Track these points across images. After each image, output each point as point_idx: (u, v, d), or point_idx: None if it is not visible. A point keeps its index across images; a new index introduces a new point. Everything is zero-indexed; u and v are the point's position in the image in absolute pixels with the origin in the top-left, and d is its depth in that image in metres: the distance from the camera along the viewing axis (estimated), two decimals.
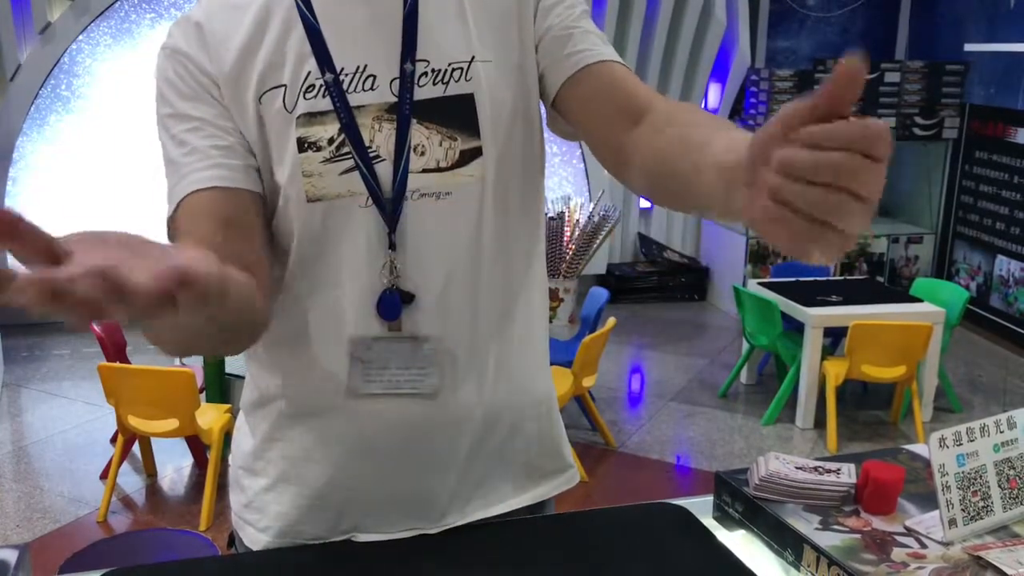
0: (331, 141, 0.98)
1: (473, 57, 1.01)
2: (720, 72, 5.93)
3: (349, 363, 1.02)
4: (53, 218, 5.22)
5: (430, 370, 1.03)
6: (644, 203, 6.10)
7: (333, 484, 1.08)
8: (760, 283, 4.40)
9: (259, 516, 1.11)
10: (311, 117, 0.98)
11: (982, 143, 5.56)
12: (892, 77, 5.63)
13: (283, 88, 0.98)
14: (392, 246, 1.00)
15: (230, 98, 0.99)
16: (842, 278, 5.22)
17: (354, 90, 0.99)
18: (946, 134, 5.75)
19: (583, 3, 1.07)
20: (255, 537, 1.12)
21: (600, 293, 4.08)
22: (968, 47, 5.45)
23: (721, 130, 0.79)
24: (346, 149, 0.98)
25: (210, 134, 0.97)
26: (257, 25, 0.99)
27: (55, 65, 5.01)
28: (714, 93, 6.01)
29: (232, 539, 1.18)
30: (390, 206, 0.99)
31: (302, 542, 1.09)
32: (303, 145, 0.98)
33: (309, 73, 0.98)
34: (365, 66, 0.99)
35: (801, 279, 4.52)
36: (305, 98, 0.98)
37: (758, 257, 5.70)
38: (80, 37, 5.02)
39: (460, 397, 1.05)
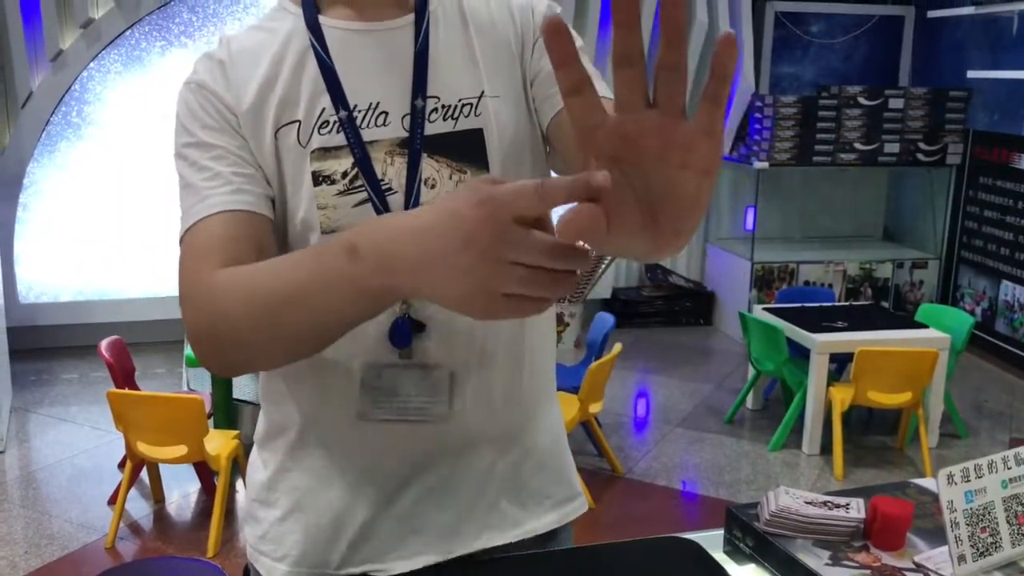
0: (344, 175, 1.01)
1: (482, 93, 1.05)
2: None
3: (360, 390, 1.04)
4: (64, 243, 5.26)
5: (439, 397, 1.05)
6: None
7: (346, 511, 1.09)
8: (766, 308, 4.41)
9: (275, 547, 1.13)
10: (325, 152, 1.02)
11: (986, 169, 5.58)
12: (896, 103, 5.66)
13: (297, 124, 1.02)
14: None
15: (250, 133, 1.02)
16: (847, 303, 5.23)
17: (367, 126, 1.02)
18: (950, 160, 5.77)
19: (579, 40, 1.10)
20: (272, 567, 1.13)
21: (606, 319, 4.10)
22: (971, 74, 5.49)
23: None
24: (359, 182, 1.01)
25: (232, 162, 1.00)
26: (273, 63, 1.03)
27: (66, 92, 5.06)
28: None
29: (247, 572, 1.19)
30: None
31: (319, 571, 1.10)
32: (318, 179, 1.01)
33: (324, 110, 1.02)
34: (377, 103, 1.02)
35: (806, 305, 4.54)
36: (320, 133, 1.02)
37: (763, 282, 5.71)
38: (91, 64, 5.08)
39: (469, 423, 1.08)
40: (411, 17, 1.05)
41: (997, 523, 1.04)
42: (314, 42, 1.03)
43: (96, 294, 5.35)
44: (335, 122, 1.01)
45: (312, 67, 1.03)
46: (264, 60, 1.04)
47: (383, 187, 1.02)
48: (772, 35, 6.08)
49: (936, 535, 1.09)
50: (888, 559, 1.05)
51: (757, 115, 5.69)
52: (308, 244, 1.02)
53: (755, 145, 5.70)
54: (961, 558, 1.01)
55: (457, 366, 1.06)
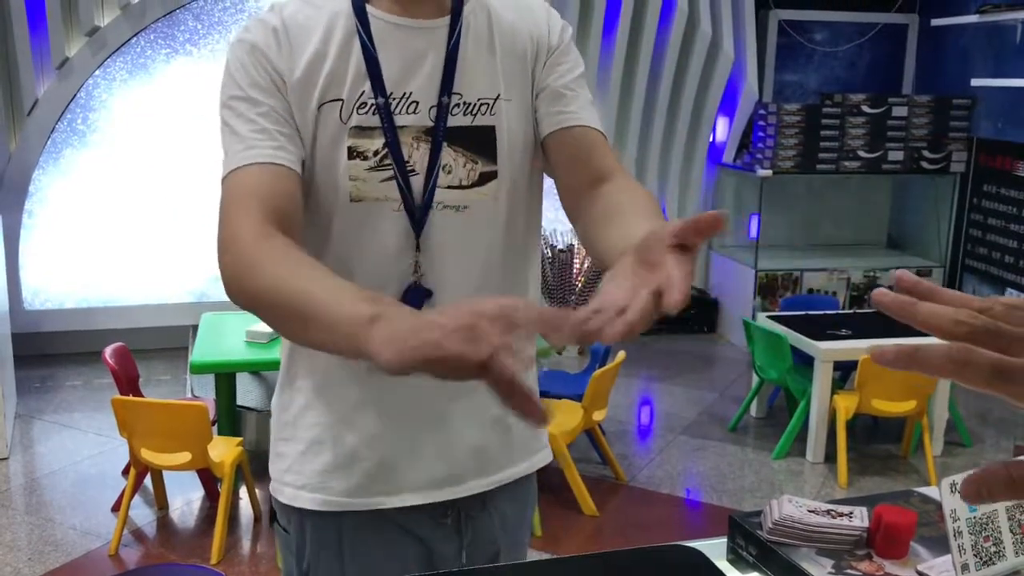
0: (376, 153, 1.15)
1: (498, 95, 1.19)
2: (728, 106, 5.98)
3: None
4: (68, 250, 5.28)
5: None
6: None
7: (361, 446, 1.23)
8: (770, 316, 4.41)
9: (297, 476, 1.25)
10: (361, 130, 1.15)
11: (990, 177, 5.58)
12: (899, 111, 5.67)
13: (340, 102, 1.14)
14: (417, 248, 1.17)
15: (295, 100, 1.14)
16: (852, 311, 5.23)
17: (399, 112, 1.16)
18: (954, 168, 5.77)
19: (582, 66, 1.27)
20: (294, 495, 1.25)
21: None
22: (975, 82, 5.49)
23: (641, 221, 1.00)
24: (388, 161, 1.16)
25: (277, 120, 1.12)
26: (323, 41, 1.15)
27: (72, 99, 5.08)
28: (722, 127, 6.06)
29: (273, 515, 1.31)
30: (418, 213, 1.17)
31: (337, 499, 1.23)
32: (352, 153, 1.15)
33: (363, 92, 1.15)
34: (410, 93, 1.16)
35: (811, 312, 4.53)
36: (358, 113, 1.15)
37: (767, 290, 5.71)
38: (97, 72, 5.10)
39: (471, 388, 1.19)
40: (447, 20, 1.17)
41: (1000, 532, 1.04)
42: (360, 31, 1.14)
43: (101, 301, 5.37)
44: (372, 105, 1.14)
45: (357, 51, 1.14)
46: (314, 36, 1.15)
47: (407, 168, 1.16)
48: (776, 43, 6.09)
49: (939, 544, 1.09)
50: (892, 568, 1.05)
51: (761, 123, 5.70)
52: (335, 208, 1.16)
53: (759, 153, 5.71)
54: (964, 567, 1.01)
55: None
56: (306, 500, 1.24)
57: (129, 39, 5.09)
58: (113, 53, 5.08)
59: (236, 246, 1.03)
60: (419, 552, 1.27)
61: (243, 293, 1.02)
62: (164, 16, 5.12)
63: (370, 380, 1.19)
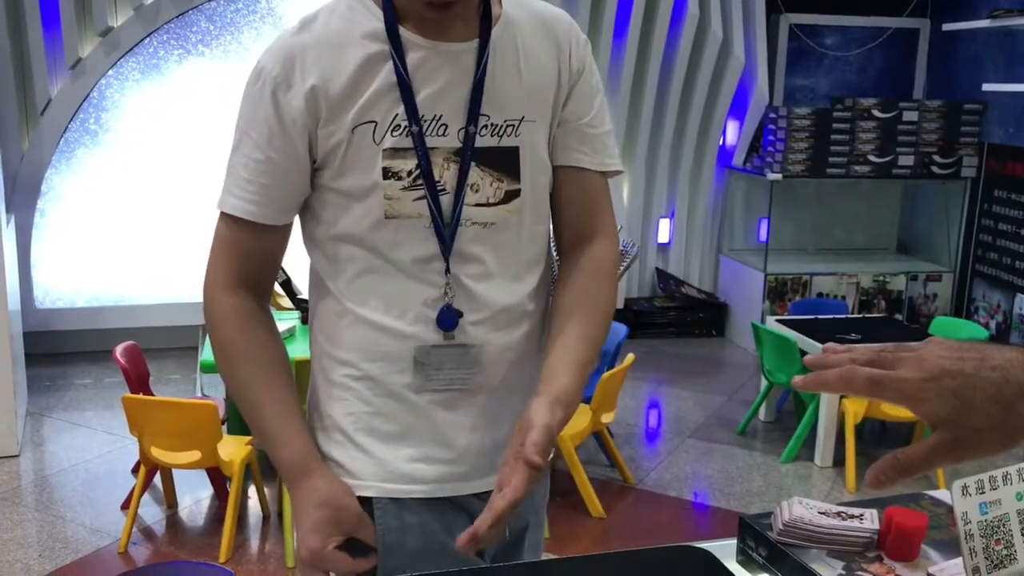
0: (409, 173, 1.21)
1: (523, 117, 1.25)
2: (738, 110, 5.97)
3: (413, 367, 1.24)
4: (80, 249, 5.30)
5: (476, 370, 1.26)
6: (662, 238, 6.12)
7: (393, 442, 1.27)
8: (778, 320, 4.40)
9: (377, 470, 1.28)
10: (395, 151, 1.20)
11: (1000, 182, 5.56)
12: (910, 116, 5.65)
13: (374, 124, 1.19)
14: (447, 268, 1.23)
15: (325, 112, 1.18)
16: (861, 316, 5.22)
17: (430, 134, 1.21)
18: (964, 173, 5.75)
19: (601, 88, 1.32)
20: (368, 487, 1.29)
21: (619, 329, 4.09)
22: (986, 87, 5.47)
23: (568, 346, 1.25)
24: (420, 182, 1.21)
25: (267, 172, 1.20)
26: (357, 66, 1.19)
27: (85, 99, 5.11)
28: (732, 131, 6.05)
29: None
30: (447, 231, 1.22)
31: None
32: (387, 174, 1.20)
33: (397, 115, 1.19)
34: (441, 116, 1.21)
35: (819, 317, 4.53)
36: (392, 135, 1.20)
37: (776, 294, 5.70)
38: (110, 72, 5.12)
39: (497, 390, 1.29)
40: (476, 43, 1.21)
41: (1012, 535, 1.04)
42: (395, 58, 1.18)
43: (112, 300, 5.39)
44: (405, 127, 1.19)
45: (390, 75, 1.19)
46: (347, 56, 1.18)
47: (438, 188, 1.21)
48: (787, 47, 6.08)
49: (950, 547, 1.09)
50: (902, 570, 1.05)
51: (771, 127, 5.69)
52: (371, 225, 1.22)
53: (769, 157, 5.70)
54: (975, 570, 1.01)
55: (489, 343, 1.26)
56: (384, 490, 1.27)
57: (142, 40, 5.12)
58: (126, 53, 5.11)
59: (209, 292, 1.26)
60: (467, 523, 1.28)
61: (210, 331, 1.28)
62: (177, 17, 5.15)
63: (409, 400, 1.27)
